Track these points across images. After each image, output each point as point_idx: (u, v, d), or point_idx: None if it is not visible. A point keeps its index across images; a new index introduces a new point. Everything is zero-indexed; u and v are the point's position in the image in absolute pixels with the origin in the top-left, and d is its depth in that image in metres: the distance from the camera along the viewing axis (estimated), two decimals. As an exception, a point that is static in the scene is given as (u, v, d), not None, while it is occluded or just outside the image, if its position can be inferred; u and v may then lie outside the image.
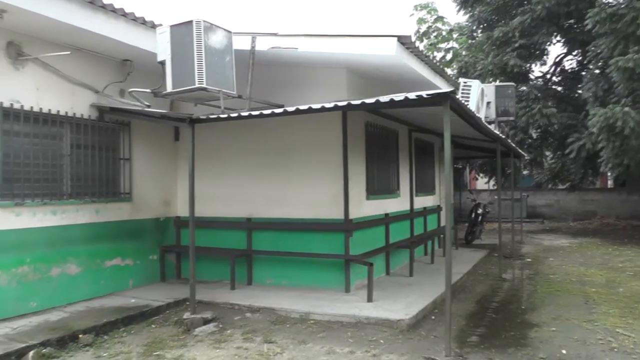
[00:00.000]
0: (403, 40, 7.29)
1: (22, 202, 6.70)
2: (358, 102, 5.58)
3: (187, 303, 6.99)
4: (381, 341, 5.76)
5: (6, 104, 6.55)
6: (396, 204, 10.05)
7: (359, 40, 7.29)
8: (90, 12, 6.59)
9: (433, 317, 6.78)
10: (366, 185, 8.66)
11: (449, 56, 22.93)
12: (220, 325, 6.39)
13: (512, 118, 13.20)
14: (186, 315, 6.48)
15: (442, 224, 13.27)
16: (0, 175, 6.48)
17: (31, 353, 5.25)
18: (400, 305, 6.97)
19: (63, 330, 5.93)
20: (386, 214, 9.43)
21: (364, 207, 8.55)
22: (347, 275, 7.87)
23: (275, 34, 7.61)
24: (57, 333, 5.80)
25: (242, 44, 7.51)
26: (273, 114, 6.12)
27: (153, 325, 6.51)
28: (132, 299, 7.49)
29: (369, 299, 7.20)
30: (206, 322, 6.38)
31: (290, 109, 5.91)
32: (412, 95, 5.23)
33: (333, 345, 5.61)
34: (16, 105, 6.67)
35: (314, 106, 5.80)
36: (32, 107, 6.85)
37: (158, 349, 5.58)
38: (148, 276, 8.60)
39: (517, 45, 18.05)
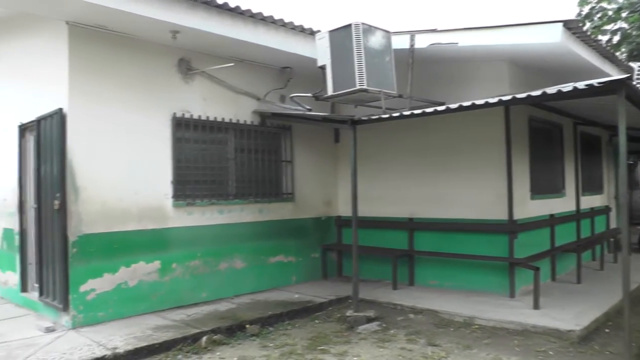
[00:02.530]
0: (569, 25, 6.71)
1: (193, 202, 7.29)
2: (523, 95, 5.22)
3: (350, 301, 7.05)
4: (550, 352, 5.34)
5: (178, 114, 7.18)
6: (562, 204, 9.32)
7: (521, 29, 6.83)
8: (251, 25, 6.97)
9: (607, 330, 6.13)
10: (530, 184, 8.14)
11: (616, 38, 20.76)
12: (384, 325, 6.38)
13: (697, 105, 11.55)
14: (349, 312, 6.55)
15: (611, 226, 12.07)
16: (175, 178, 7.10)
17: (204, 338, 5.68)
18: (569, 314, 6.43)
19: (231, 319, 6.32)
20: (551, 215, 8.79)
21: (529, 208, 8.04)
22: (511, 279, 7.45)
23: (434, 30, 7.43)
24: (226, 322, 6.20)
25: (400, 42, 7.43)
26: (435, 112, 5.94)
27: (316, 321, 6.68)
28: (296, 294, 7.78)
29: (535, 306, 6.73)
30: (369, 320, 6.40)
31: (453, 106, 5.72)
32: (581, 85, 4.75)
33: (499, 353, 5.32)
34: (186, 115, 7.28)
35: (478, 102, 5.54)
36: (200, 116, 7.42)
37: (322, 343, 5.69)
38: (310, 273, 8.89)
39: (703, 18, 15.71)
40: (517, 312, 6.55)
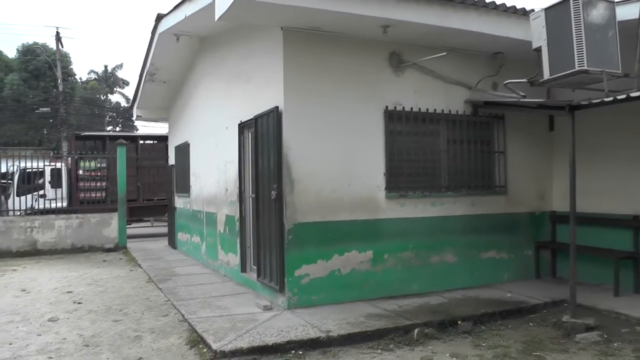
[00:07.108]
0: None
1: (405, 194, 7.41)
2: None
3: (565, 305, 6.55)
4: None
5: (390, 107, 7.33)
6: None
7: None
8: (462, 12, 6.75)
9: None
10: None
11: None
12: (605, 336, 5.72)
13: None
14: (565, 318, 6.04)
15: None
16: (387, 170, 7.28)
17: (416, 330, 5.72)
18: None
19: (442, 314, 6.28)
20: None
21: None
22: None
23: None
24: (437, 316, 6.18)
25: (625, 13, 6.52)
26: (670, 92, 5.10)
27: (530, 324, 6.30)
28: (508, 293, 7.42)
29: None
30: (588, 329, 5.82)
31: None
32: None
33: None
34: (398, 108, 7.39)
35: None
36: (411, 108, 7.48)
37: (537, 349, 5.35)
38: (522, 271, 8.41)
39: None
40: None
